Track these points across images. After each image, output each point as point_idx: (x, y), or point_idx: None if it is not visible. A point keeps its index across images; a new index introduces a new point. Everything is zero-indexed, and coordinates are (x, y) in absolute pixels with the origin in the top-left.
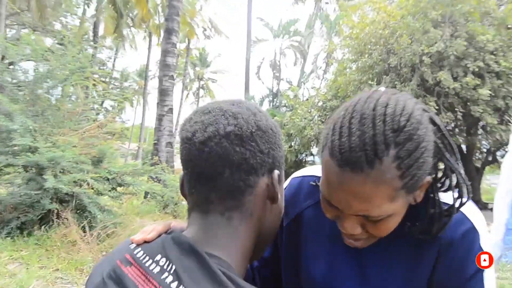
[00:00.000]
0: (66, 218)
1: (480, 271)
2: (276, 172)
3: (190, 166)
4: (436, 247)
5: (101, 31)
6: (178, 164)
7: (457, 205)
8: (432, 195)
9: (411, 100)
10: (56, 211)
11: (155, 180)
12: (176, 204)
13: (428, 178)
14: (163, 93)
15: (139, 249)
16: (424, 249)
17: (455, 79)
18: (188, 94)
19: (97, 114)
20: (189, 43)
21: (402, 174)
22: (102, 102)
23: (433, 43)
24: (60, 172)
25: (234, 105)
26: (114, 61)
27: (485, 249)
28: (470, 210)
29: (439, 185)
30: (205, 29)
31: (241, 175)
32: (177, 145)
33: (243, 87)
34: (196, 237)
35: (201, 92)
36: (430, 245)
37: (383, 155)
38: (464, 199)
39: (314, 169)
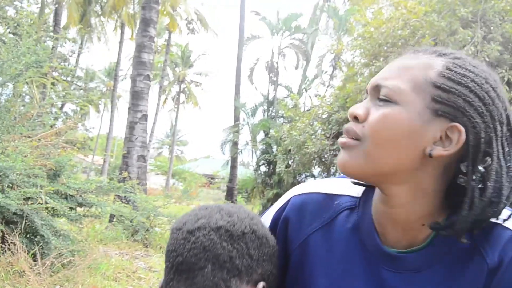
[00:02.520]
0: (13, 243)
1: None
2: (262, 284)
3: (172, 256)
4: (481, 274)
5: (63, 20)
6: (151, 182)
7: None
8: (467, 168)
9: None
10: (1, 234)
11: (123, 200)
12: (147, 230)
13: (461, 129)
14: (137, 96)
15: None
16: (465, 278)
17: None
18: (166, 99)
19: (55, 119)
20: (169, 37)
21: (444, 76)
22: (62, 106)
23: (462, 46)
24: (8, 186)
25: (233, 207)
26: (78, 56)
27: None
28: None
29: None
30: (189, 22)
31: (223, 274)
32: (151, 160)
33: (232, 93)
34: None
35: (182, 97)
36: (473, 273)
37: (440, 53)
38: (493, 211)
39: (318, 184)
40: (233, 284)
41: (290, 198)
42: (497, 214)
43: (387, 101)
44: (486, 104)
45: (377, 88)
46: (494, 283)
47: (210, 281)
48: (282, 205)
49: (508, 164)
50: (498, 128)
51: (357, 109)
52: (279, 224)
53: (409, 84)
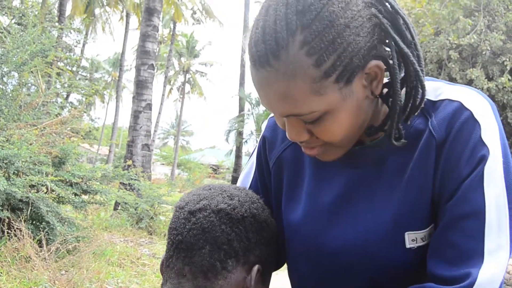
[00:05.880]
0: (19, 229)
1: (479, 168)
2: (257, 266)
3: (173, 234)
4: (431, 149)
5: (68, 10)
6: (156, 172)
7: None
8: (392, 86)
9: None
10: (7, 220)
11: (128, 188)
12: (151, 218)
13: (376, 63)
14: (141, 85)
15: None
16: (418, 158)
17: (490, 78)
18: (171, 89)
19: (61, 108)
20: (174, 27)
21: (316, 61)
22: (67, 96)
23: (465, 35)
24: (13, 173)
25: (236, 189)
26: (83, 46)
27: (486, 142)
28: (468, 96)
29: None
30: (194, 12)
31: (220, 255)
32: (156, 151)
33: (237, 83)
34: None
35: (187, 87)
36: (423, 151)
37: (286, 43)
38: (418, 95)
39: None
40: (229, 265)
41: (268, 120)
42: (423, 96)
43: (317, 119)
44: (357, 30)
45: (293, 116)
46: (443, 156)
47: (207, 261)
48: (262, 131)
49: (412, 51)
50: (391, 30)
51: (297, 136)
52: (261, 146)
53: (310, 95)
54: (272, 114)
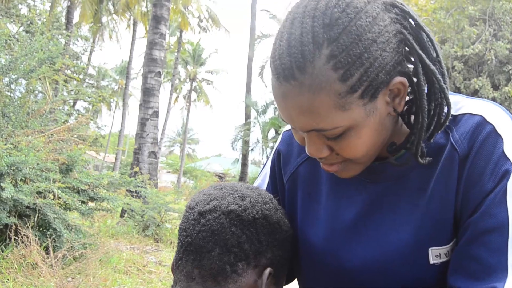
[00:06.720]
0: (26, 236)
1: (502, 183)
2: (269, 270)
3: (183, 235)
4: (454, 164)
5: (76, 18)
6: (162, 180)
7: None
8: (417, 103)
9: None
10: (14, 227)
11: (134, 195)
12: (158, 225)
13: (400, 79)
14: (148, 93)
15: None
16: (440, 174)
17: (496, 88)
18: (177, 97)
19: (68, 115)
20: (181, 35)
21: (342, 76)
22: (74, 103)
23: (471, 43)
24: (21, 180)
25: (248, 189)
26: (90, 54)
27: (509, 157)
28: (490, 110)
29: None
30: (201, 20)
31: (230, 258)
32: (162, 159)
33: (243, 91)
34: None
35: (193, 95)
36: (446, 166)
37: (312, 56)
38: (443, 112)
39: None
40: (239, 268)
41: (282, 134)
42: (448, 114)
43: (339, 135)
44: (383, 46)
45: (315, 131)
46: (466, 170)
47: (216, 265)
48: (277, 144)
49: (436, 67)
50: (416, 46)
51: (317, 152)
52: (275, 159)
53: (335, 110)
54: (286, 128)
